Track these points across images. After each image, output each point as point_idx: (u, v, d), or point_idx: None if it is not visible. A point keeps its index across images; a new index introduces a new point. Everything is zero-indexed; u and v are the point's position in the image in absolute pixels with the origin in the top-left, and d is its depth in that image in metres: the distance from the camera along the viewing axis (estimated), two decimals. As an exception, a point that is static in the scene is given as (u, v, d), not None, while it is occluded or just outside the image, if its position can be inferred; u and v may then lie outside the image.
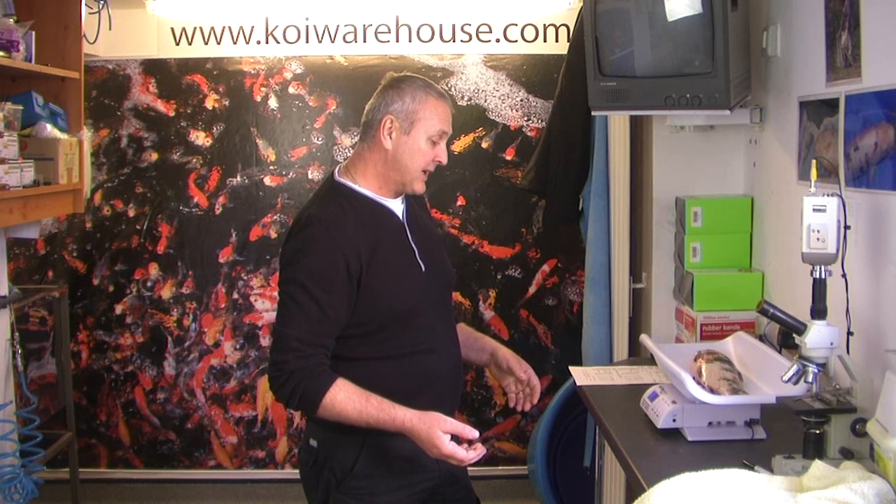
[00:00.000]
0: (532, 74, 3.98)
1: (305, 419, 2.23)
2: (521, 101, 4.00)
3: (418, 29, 3.96)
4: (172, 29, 3.96)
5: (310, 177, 4.02)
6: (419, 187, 2.12)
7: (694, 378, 2.00)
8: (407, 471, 2.10)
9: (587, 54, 2.64)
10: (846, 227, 1.88)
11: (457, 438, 1.92)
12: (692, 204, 2.88)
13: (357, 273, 2.00)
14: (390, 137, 2.06)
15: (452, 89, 3.98)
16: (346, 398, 1.94)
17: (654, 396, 2.11)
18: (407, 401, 1.98)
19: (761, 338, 2.47)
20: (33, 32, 3.00)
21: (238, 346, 4.08)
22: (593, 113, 2.80)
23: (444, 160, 2.11)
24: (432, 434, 1.90)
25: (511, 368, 2.25)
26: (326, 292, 1.98)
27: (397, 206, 2.15)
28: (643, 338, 2.35)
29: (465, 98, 4.00)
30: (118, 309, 4.07)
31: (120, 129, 4.02)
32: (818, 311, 1.85)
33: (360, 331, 2.05)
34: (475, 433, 1.92)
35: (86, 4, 3.34)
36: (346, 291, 2.00)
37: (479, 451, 1.92)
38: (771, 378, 2.03)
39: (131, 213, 4.04)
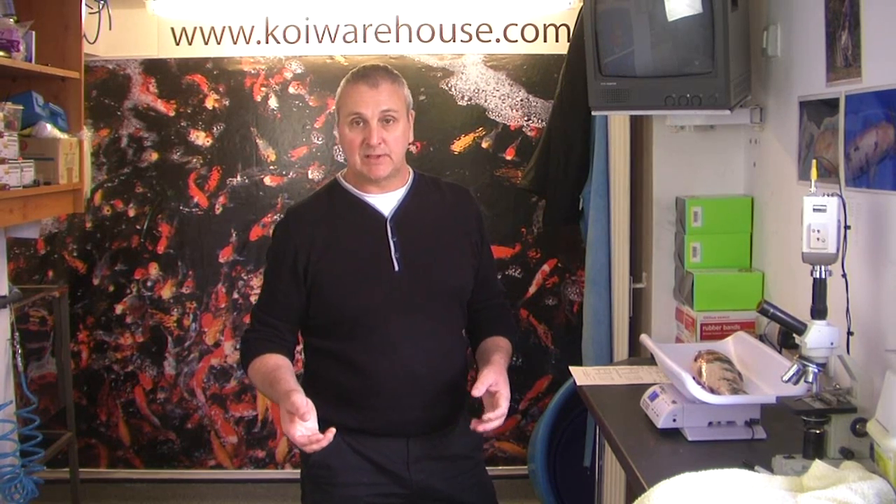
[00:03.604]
0: (532, 74, 3.98)
1: None
2: (521, 101, 4.00)
3: (418, 29, 3.96)
4: (172, 29, 3.96)
5: (310, 177, 4.02)
6: (365, 170, 2.06)
7: (694, 378, 2.00)
8: (367, 470, 2.09)
9: (587, 54, 2.64)
10: (846, 227, 1.87)
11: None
12: (692, 204, 2.88)
13: (304, 264, 2.08)
14: (335, 132, 2.12)
15: (452, 89, 3.99)
16: (258, 368, 2.06)
17: (654, 396, 2.11)
18: (359, 400, 2.05)
19: (761, 338, 2.47)
20: (33, 32, 2.99)
21: (238, 346, 4.06)
22: (593, 113, 2.80)
23: (371, 140, 2.02)
24: (282, 409, 1.90)
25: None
26: (277, 277, 2.12)
27: (384, 202, 2.11)
28: (643, 338, 2.35)
29: (465, 98, 4.00)
30: (118, 309, 4.07)
31: (120, 129, 4.02)
32: (818, 311, 1.85)
33: (322, 322, 2.11)
34: (307, 418, 1.85)
35: (86, 4, 3.34)
36: (292, 280, 2.09)
37: (313, 438, 1.85)
38: (771, 378, 2.03)
39: (131, 213, 4.05)
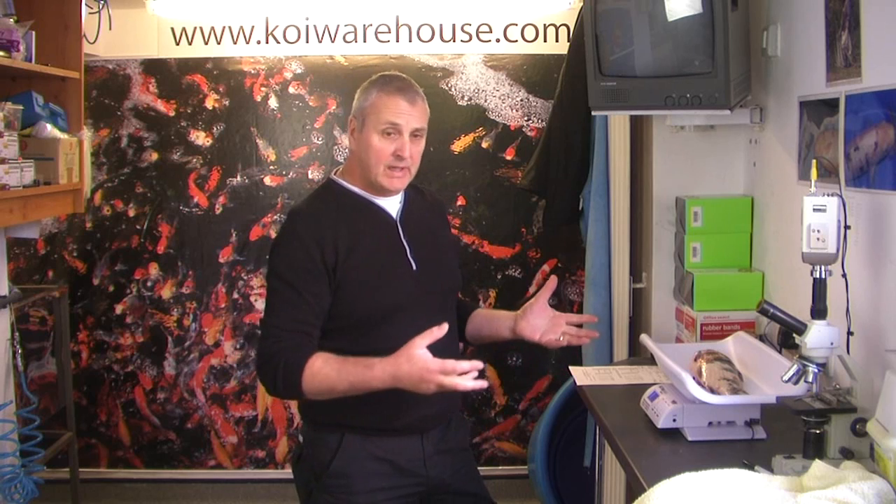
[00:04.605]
0: (532, 74, 3.98)
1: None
2: (521, 101, 4.00)
3: (418, 29, 3.96)
4: (172, 29, 3.96)
5: (310, 177, 4.02)
6: (385, 182, 2.08)
7: (694, 378, 2.00)
8: (386, 473, 2.09)
9: (587, 54, 2.64)
10: (846, 227, 1.87)
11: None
12: (692, 204, 2.88)
13: (332, 264, 2.04)
14: (353, 137, 2.13)
15: (452, 89, 3.99)
16: (325, 363, 1.95)
17: (654, 396, 2.11)
18: (384, 399, 1.98)
19: (761, 338, 2.47)
20: (33, 32, 3.00)
21: (238, 346, 4.08)
22: (593, 113, 2.80)
23: (403, 153, 2.06)
24: (412, 357, 1.82)
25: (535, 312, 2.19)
26: (303, 280, 2.03)
27: (390, 204, 2.15)
28: (643, 338, 2.35)
29: (465, 98, 4.00)
30: (118, 309, 4.07)
31: (120, 129, 4.02)
32: (818, 311, 1.85)
33: (341, 324, 2.07)
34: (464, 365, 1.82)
35: (86, 4, 3.34)
36: (322, 280, 2.03)
37: (476, 375, 1.83)
38: (771, 378, 2.03)
39: (131, 213, 4.05)
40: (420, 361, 1.83)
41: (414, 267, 2.12)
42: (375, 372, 1.89)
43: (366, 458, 2.08)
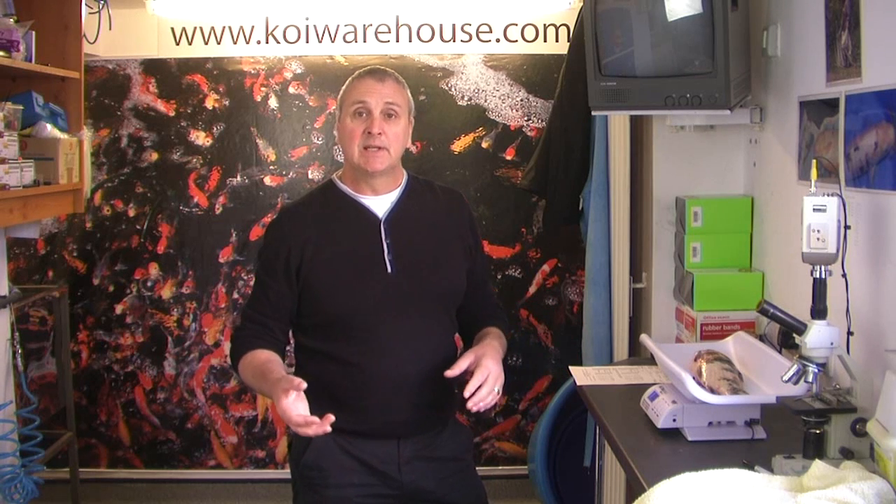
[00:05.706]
0: (532, 74, 3.98)
1: None
2: (521, 101, 4.00)
3: (418, 29, 3.96)
4: (172, 29, 3.96)
5: (310, 177, 4.02)
6: (363, 163, 2.08)
7: (694, 378, 2.00)
8: (357, 470, 2.09)
9: (587, 54, 2.64)
10: (846, 227, 1.87)
11: None
12: (692, 204, 2.88)
13: (296, 265, 2.09)
14: (337, 131, 2.18)
15: (452, 89, 3.99)
16: (251, 360, 2.06)
17: (654, 396, 2.11)
18: (351, 401, 2.02)
19: (761, 338, 2.47)
20: (33, 32, 3.00)
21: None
22: (593, 113, 2.80)
23: (373, 129, 2.06)
24: (277, 395, 1.87)
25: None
26: (269, 276, 2.13)
27: (378, 203, 2.13)
28: (643, 338, 2.35)
29: (465, 98, 4.00)
30: (118, 309, 4.07)
31: (120, 129, 4.02)
32: (818, 311, 1.85)
33: (314, 322, 2.12)
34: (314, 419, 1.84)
35: (86, 4, 3.34)
36: (285, 279, 2.10)
37: (315, 425, 1.84)
38: (771, 378, 2.03)
39: (131, 213, 4.05)
40: (278, 403, 1.88)
41: (389, 269, 2.08)
42: (269, 387, 1.96)
43: (337, 453, 2.09)
